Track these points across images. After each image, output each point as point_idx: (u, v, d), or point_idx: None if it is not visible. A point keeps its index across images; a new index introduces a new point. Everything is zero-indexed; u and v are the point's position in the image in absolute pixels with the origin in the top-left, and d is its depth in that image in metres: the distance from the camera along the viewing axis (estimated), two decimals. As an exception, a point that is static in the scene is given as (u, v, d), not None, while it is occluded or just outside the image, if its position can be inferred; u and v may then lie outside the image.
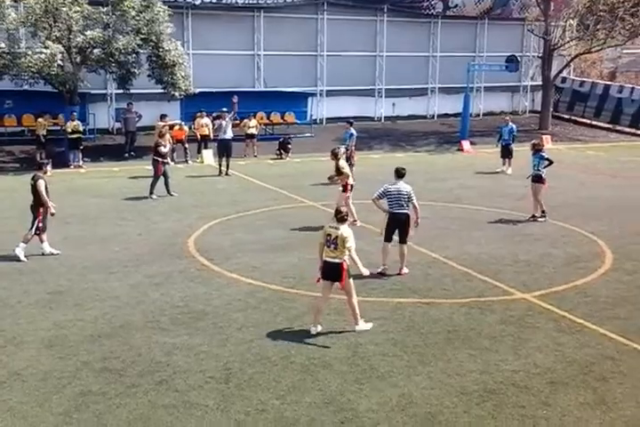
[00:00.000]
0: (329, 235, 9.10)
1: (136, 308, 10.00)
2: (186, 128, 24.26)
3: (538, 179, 15.43)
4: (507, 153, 22.36)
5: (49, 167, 13.40)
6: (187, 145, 23.96)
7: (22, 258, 12.20)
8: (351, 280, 9.21)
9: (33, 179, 12.55)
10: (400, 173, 11.82)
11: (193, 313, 9.81)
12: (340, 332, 9.22)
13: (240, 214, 16.05)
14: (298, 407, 7.29)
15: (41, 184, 12.43)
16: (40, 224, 12.44)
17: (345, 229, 9.07)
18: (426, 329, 9.38)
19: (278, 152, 25.17)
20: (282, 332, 9.25)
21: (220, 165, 21.58)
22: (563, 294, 10.74)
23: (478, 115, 35.16)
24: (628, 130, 33.09)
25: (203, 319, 9.61)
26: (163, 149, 18.12)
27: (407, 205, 11.63)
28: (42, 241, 12.60)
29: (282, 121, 29.21)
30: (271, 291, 10.85)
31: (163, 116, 22.68)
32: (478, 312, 10.00)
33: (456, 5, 34.01)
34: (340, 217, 9.20)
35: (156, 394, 7.49)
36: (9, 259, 12.25)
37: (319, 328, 9.22)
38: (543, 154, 15.56)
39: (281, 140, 25.80)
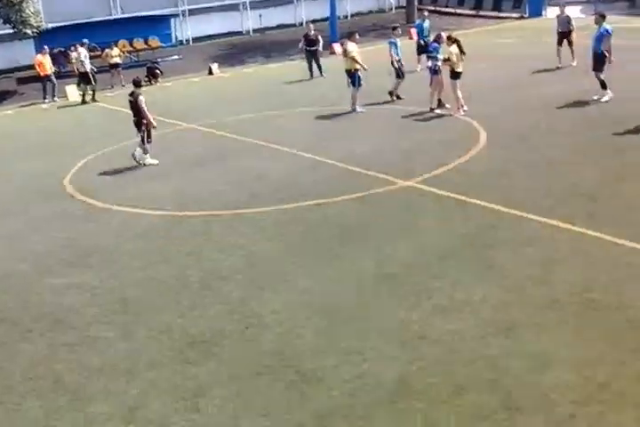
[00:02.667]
0: None
1: (18, 255, 9.60)
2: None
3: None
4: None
5: None
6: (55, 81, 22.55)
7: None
8: None
9: (132, 95, 13.48)
10: None
11: (80, 251, 9.51)
12: (234, 245, 9.20)
13: (115, 147, 15.41)
14: (202, 322, 7.30)
15: (142, 100, 13.34)
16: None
17: None
18: (319, 229, 9.48)
19: (147, 79, 24.11)
20: (175, 254, 9.13)
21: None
22: (444, 175, 11.02)
23: (347, 17, 34.69)
24: (491, 14, 33.46)
25: (92, 256, 9.34)
26: None
27: None
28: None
29: (146, 46, 27.90)
30: (158, 217, 10.64)
31: None
32: (367, 205, 10.17)
33: None
34: None
35: (53, 335, 7.31)
36: None
37: None
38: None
39: (148, 65, 24.70)
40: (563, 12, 19.11)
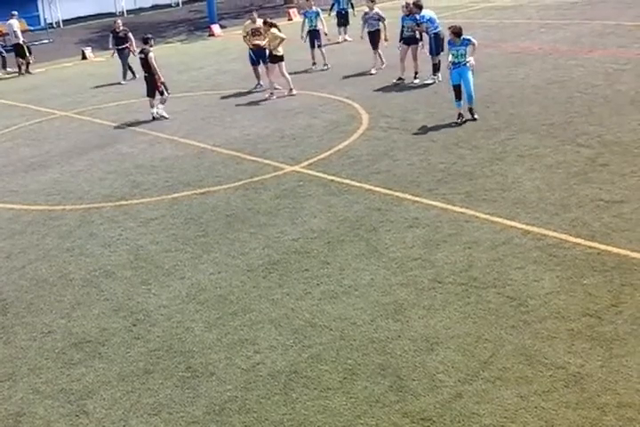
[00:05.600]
0: None
1: None
2: None
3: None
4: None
5: None
6: None
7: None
8: None
9: (142, 52, 14.36)
10: None
11: (-51, 252, 8.95)
12: (118, 239, 8.92)
13: (-15, 138, 14.58)
14: (86, 321, 7.04)
15: (152, 57, 14.20)
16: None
17: None
18: (205, 218, 9.33)
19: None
20: (55, 251, 8.75)
21: None
22: (328, 159, 11.10)
23: (224, -4, 34.14)
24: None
25: (-37, 256, 8.81)
26: None
27: None
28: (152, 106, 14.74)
29: (13, 29, 26.31)
30: (36, 212, 10.15)
31: None
32: (253, 192, 10.09)
33: None
34: None
35: None
36: None
37: None
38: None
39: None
40: (371, 8, 16.50)
